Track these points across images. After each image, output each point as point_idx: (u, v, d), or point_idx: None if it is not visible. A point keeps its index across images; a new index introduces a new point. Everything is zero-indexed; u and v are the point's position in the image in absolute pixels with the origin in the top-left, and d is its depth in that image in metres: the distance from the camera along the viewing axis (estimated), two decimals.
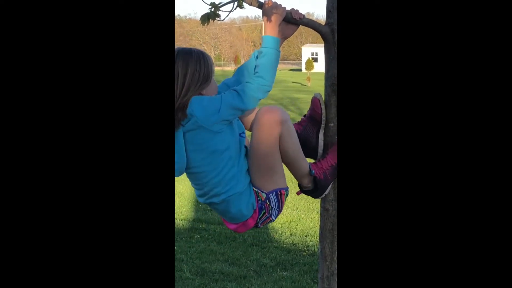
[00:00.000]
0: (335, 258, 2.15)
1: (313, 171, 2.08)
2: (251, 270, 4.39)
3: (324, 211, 2.18)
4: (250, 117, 2.08)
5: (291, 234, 5.43)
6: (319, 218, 2.22)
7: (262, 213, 2.03)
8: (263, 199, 2.02)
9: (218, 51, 74.35)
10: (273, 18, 1.91)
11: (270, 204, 2.02)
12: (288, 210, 6.27)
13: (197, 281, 4.12)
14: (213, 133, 1.88)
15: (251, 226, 2.06)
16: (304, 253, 4.83)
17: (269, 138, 1.94)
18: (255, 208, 2.01)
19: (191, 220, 5.87)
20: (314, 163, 2.13)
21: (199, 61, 1.92)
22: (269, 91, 1.92)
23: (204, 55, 1.96)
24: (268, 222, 2.09)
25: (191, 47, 2.03)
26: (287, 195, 2.10)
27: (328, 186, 2.11)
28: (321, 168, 2.09)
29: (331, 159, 2.09)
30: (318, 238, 2.23)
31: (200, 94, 1.91)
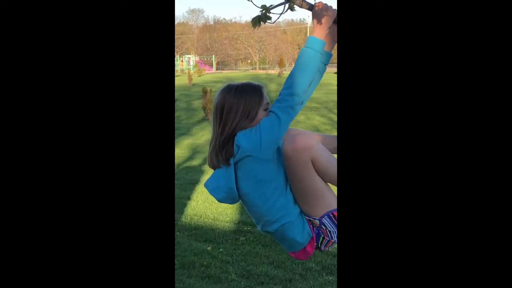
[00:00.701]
0: None
1: None
2: (297, 273, 4.38)
3: None
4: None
5: None
6: None
7: (321, 238, 2.00)
8: (317, 226, 1.99)
9: (263, 54, 74.48)
10: (323, 20, 1.89)
11: (326, 228, 1.98)
12: None
13: (242, 283, 4.14)
14: (261, 162, 1.87)
15: (311, 253, 2.04)
16: None
17: (300, 167, 1.90)
18: (311, 235, 1.99)
19: (236, 222, 5.89)
20: None
21: (237, 97, 1.92)
22: (302, 100, 1.87)
23: (245, 90, 1.94)
24: (332, 244, 2.04)
25: (242, 82, 2.00)
26: None
27: None
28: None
29: None
30: None
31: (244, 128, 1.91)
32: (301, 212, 2.00)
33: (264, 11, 1.84)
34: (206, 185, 2.00)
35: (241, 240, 5.24)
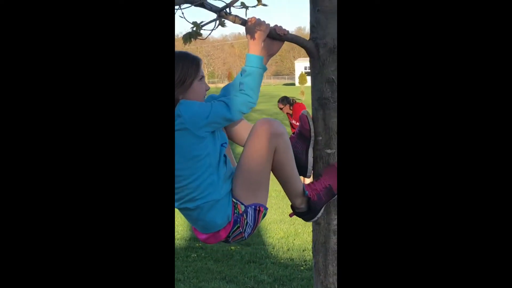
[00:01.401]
0: (329, 272, 2.15)
1: (307, 192, 2.07)
2: (249, 287, 4.38)
3: (315, 225, 2.18)
4: (238, 130, 2.10)
5: (288, 249, 5.43)
6: (312, 233, 2.22)
7: (236, 226, 1.99)
8: (240, 212, 1.97)
9: (212, 68, 74.63)
10: (256, 35, 1.91)
11: (246, 219, 1.98)
12: (285, 225, 6.28)
13: None
14: (197, 138, 1.87)
15: (222, 238, 2.01)
16: (302, 267, 4.83)
17: (264, 149, 1.92)
18: (230, 220, 1.97)
19: (187, 239, 5.86)
20: (307, 184, 2.12)
21: (176, 64, 1.92)
22: (253, 107, 1.93)
23: (180, 59, 1.94)
24: (240, 239, 2.04)
25: (181, 50, 2.01)
26: (264, 215, 2.06)
27: (322, 208, 2.09)
28: (315, 189, 2.08)
29: (326, 180, 2.07)
30: None
31: (179, 98, 1.92)
32: (230, 191, 1.99)
33: (195, 28, 1.85)
34: None
35: (193, 257, 5.21)
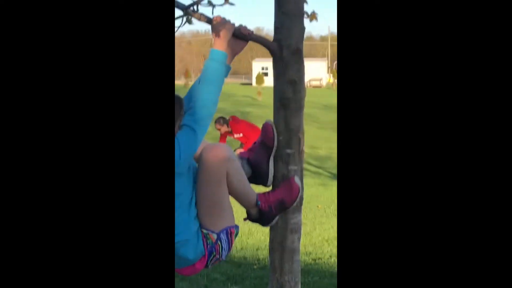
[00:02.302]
0: (285, 270, 2.17)
1: (259, 203, 2.08)
2: (202, 285, 4.37)
3: (274, 224, 2.20)
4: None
5: (241, 248, 5.44)
6: (269, 231, 2.24)
7: (212, 255, 2.01)
8: (213, 241, 1.99)
9: None
10: (221, 33, 1.92)
11: (221, 245, 1.99)
12: (239, 224, 6.28)
13: None
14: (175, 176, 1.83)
15: (199, 270, 2.04)
16: (255, 266, 4.84)
17: (216, 176, 1.93)
18: (204, 254, 1.99)
19: None
20: (262, 194, 2.13)
21: None
22: (212, 107, 1.91)
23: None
24: (218, 263, 2.07)
25: None
26: (237, 233, 2.09)
27: (274, 218, 2.11)
28: (268, 201, 2.09)
29: (280, 194, 2.09)
30: (268, 250, 2.25)
31: None
32: (199, 228, 1.99)
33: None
34: None
35: None
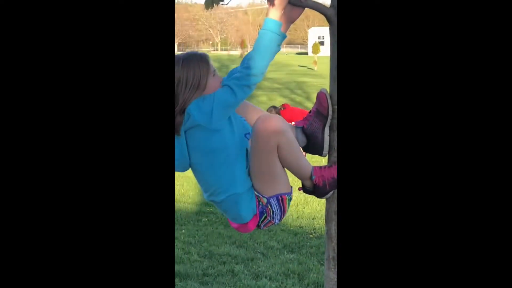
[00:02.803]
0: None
1: (314, 177, 2.06)
2: (259, 252, 4.42)
3: (329, 196, 2.18)
4: (252, 118, 2.07)
5: (298, 217, 5.46)
6: (325, 201, 2.23)
7: (264, 217, 2.01)
8: (264, 204, 2.00)
9: (225, 35, 74.09)
10: (276, 1, 1.90)
11: (271, 209, 2.00)
12: (295, 193, 6.29)
13: (205, 263, 4.15)
14: (211, 132, 1.87)
15: (252, 229, 2.05)
16: (311, 235, 4.86)
17: (266, 148, 1.91)
18: (255, 212, 2.00)
19: (198, 203, 5.90)
20: (318, 168, 2.10)
21: (184, 69, 1.91)
22: (261, 77, 1.88)
23: (190, 62, 1.93)
24: (271, 225, 2.07)
25: (186, 52, 2.00)
26: (290, 199, 2.07)
27: (328, 193, 2.09)
28: (322, 176, 2.06)
29: (335, 172, 2.06)
30: (324, 220, 2.24)
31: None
32: (252, 187, 2.00)
33: None
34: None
35: (203, 221, 5.26)
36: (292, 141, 1.98)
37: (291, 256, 4.33)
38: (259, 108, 2.18)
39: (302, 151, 2.09)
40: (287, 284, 3.80)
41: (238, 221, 2.03)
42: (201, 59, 1.95)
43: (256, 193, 1.99)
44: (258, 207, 1.99)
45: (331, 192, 2.08)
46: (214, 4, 1.86)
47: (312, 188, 2.09)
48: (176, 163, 1.94)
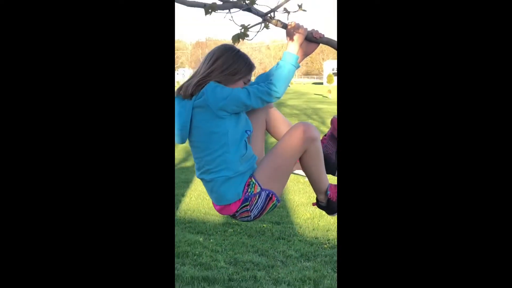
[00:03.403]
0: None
1: (329, 192, 2.03)
2: (278, 260, 4.39)
3: None
4: (276, 123, 2.12)
5: (313, 229, 5.41)
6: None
7: (245, 204, 1.94)
8: (255, 192, 1.93)
9: None
10: (295, 37, 1.91)
11: (256, 200, 1.93)
12: (311, 207, 6.24)
13: (230, 269, 4.13)
14: (215, 117, 1.85)
15: (232, 211, 1.96)
16: (326, 245, 4.80)
17: (296, 148, 1.90)
18: (240, 197, 1.92)
19: (225, 216, 5.88)
20: (334, 185, 2.06)
21: (234, 58, 1.92)
22: (278, 98, 1.88)
23: (243, 58, 1.95)
24: (245, 217, 1.98)
25: (242, 51, 2.01)
26: (275, 205, 2.00)
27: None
28: (336, 192, 2.02)
29: None
30: (336, 232, 2.22)
31: (219, 82, 1.90)
32: (246, 173, 1.94)
33: (243, 30, 1.85)
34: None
35: (229, 232, 5.23)
36: (320, 152, 1.96)
37: (307, 264, 4.29)
38: (288, 121, 2.17)
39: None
40: None
41: (221, 202, 1.96)
42: (249, 64, 1.97)
43: (254, 180, 1.93)
44: (245, 193, 1.92)
45: None
46: (240, 39, 1.87)
47: (326, 203, 2.06)
48: (177, 132, 1.91)
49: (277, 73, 1.89)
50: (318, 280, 3.95)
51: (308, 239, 5.09)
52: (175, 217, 5.78)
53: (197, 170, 1.99)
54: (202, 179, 1.98)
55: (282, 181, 1.99)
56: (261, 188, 1.93)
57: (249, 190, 1.93)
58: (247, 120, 2.01)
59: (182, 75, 49.50)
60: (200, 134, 1.90)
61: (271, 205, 1.96)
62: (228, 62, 1.92)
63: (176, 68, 55.02)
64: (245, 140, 1.95)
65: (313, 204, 2.16)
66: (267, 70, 2.03)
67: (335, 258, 4.28)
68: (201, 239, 4.97)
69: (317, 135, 1.92)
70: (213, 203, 2.04)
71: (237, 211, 1.96)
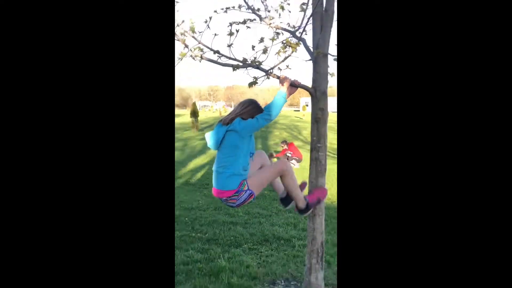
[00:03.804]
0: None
1: (307, 199, 2.03)
2: (273, 212, 4.28)
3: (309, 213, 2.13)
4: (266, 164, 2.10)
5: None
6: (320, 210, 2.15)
7: (235, 194, 1.87)
8: (244, 189, 1.87)
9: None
10: (284, 84, 1.91)
11: (243, 194, 1.87)
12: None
13: (245, 217, 4.04)
14: (239, 136, 1.85)
15: (225, 196, 1.89)
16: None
17: (274, 171, 1.95)
18: (234, 188, 1.87)
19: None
20: (308, 194, 2.06)
21: (255, 108, 1.94)
22: (271, 120, 1.89)
23: (259, 107, 1.94)
24: (231, 203, 1.90)
25: (258, 104, 2.00)
26: (251, 202, 1.98)
27: (311, 209, 2.05)
28: (311, 198, 2.03)
29: (317, 194, 2.01)
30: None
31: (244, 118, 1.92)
32: (242, 175, 1.88)
33: (254, 79, 1.86)
34: (206, 135, 1.93)
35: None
36: (291, 177, 1.98)
37: (290, 214, 4.22)
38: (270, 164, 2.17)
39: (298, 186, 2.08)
40: (288, 230, 3.70)
41: (222, 188, 1.90)
42: (261, 109, 1.97)
43: (245, 182, 1.91)
44: (238, 188, 1.89)
45: (311, 209, 2.04)
46: (253, 85, 1.87)
47: (304, 207, 2.04)
48: (213, 143, 1.93)
49: (273, 104, 1.88)
50: (297, 223, 3.89)
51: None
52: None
53: (215, 165, 1.96)
54: (215, 171, 1.95)
55: (260, 188, 1.97)
56: (248, 188, 1.91)
57: (241, 187, 1.90)
58: (253, 146, 2.02)
59: (216, 106, 49.22)
60: (226, 146, 1.89)
61: (249, 200, 1.94)
62: (253, 110, 1.94)
63: (215, 101, 55.21)
64: (249, 157, 1.96)
65: (295, 210, 2.11)
66: (267, 103, 2.04)
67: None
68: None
69: (288, 167, 1.95)
70: (213, 188, 1.98)
71: (228, 197, 1.91)
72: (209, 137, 1.93)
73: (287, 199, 2.11)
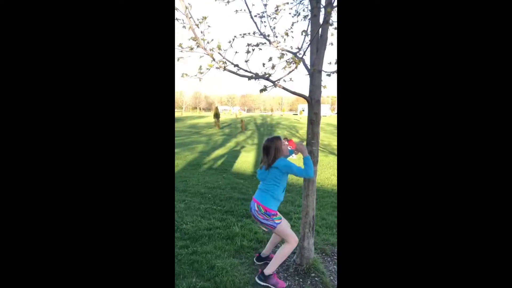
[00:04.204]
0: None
1: (273, 275, 1.81)
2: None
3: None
4: None
5: (290, 178, 5.20)
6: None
7: (266, 216, 1.79)
8: (272, 218, 1.80)
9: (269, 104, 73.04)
10: (302, 148, 1.89)
11: (269, 219, 1.79)
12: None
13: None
14: (280, 172, 1.79)
15: (263, 210, 1.80)
16: (297, 186, 4.62)
17: (287, 237, 1.81)
18: (268, 208, 1.80)
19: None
20: (275, 276, 1.81)
21: (280, 145, 1.88)
22: (308, 172, 1.76)
23: (280, 144, 1.85)
24: (257, 217, 1.79)
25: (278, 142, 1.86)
26: (268, 229, 1.85)
27: (266, 283, 1.79)
28: (276, 279, 1.79)
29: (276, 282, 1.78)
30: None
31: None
32: (276, 203, 1.82)
33: (264, 87, 1.85)
34: (258, 173, 1.88)
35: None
36: (288, 252, 1.85)
37: (287, 194, 4.08)
38: None
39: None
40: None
41: (262, 202, 1.86)
42: (280, 141, 1.91)
43: (281, 218, 1.86)
44: (271, 211, 1.84)
45: (266, 284, 1.84)
46: (263, 92, 1.87)
47: (263, 262, 1.99)
48: (260, 176, 1.89)
49: (306, 166, 1.80)
50: (294, 201, 3.78)
51: (290, 182, 4.96)
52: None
53: (263, 185, 1.91)
54: (259, 188, 1.91)
55: (276, 231, 1.86)
56: (275, 222, 1.84)
57: (272, 213, 1.84)
58: (286, 181, 1.96)
59: (233, 110, 48.46)
60: (270, 178, 1.85)
61: (264, 226, 1.87)
62: (280, 150, 1.85)
63: (232, 106, 55.26)
64: (283, 191, 1.90)
65: (259, 272, 1.90)
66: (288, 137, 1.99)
67: (300, 188, 4.16)
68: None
69: (294, 245, 1.78)
70: (253, 198, 1.93)
71: (259, 211, 1.86)
72: (259, 175, 1.84)
73: (264, 259, 2.04)
